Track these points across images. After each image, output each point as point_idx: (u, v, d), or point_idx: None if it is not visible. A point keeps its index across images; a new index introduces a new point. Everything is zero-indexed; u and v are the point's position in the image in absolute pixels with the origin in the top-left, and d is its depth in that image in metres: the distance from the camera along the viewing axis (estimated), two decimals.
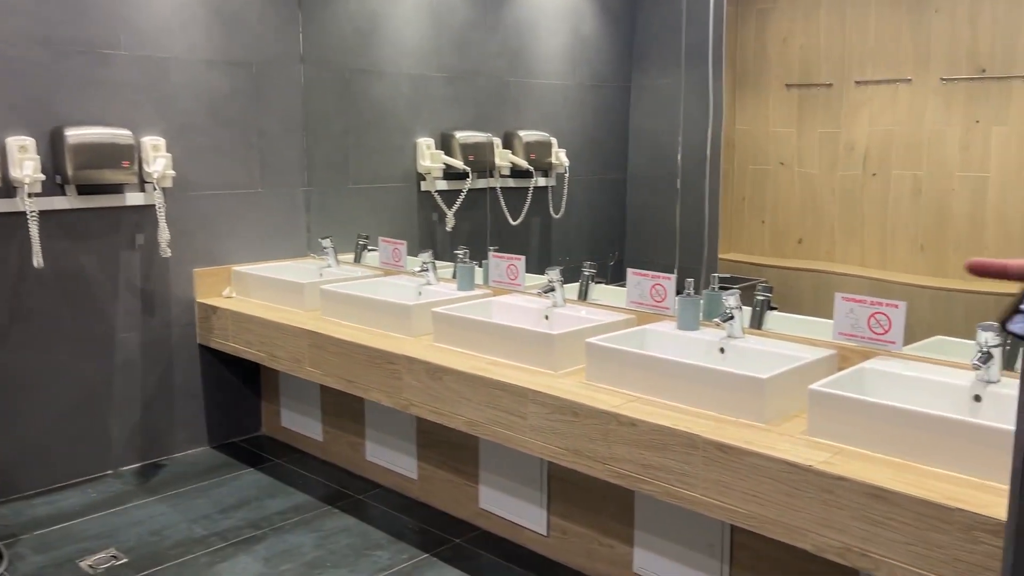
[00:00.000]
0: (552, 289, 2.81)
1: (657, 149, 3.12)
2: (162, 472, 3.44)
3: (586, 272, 2.92)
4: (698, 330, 2.49)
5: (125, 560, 2.71)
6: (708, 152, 2.83)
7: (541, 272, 2.99)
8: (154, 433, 3.56)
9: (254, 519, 3.01)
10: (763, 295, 2.47)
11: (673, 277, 2.63)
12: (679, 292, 2.54)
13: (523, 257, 3.09)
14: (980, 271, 0.81)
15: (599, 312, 2.76)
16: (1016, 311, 0.76)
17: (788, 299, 2.72)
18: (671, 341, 2.48)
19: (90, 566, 2.68)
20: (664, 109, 3.12)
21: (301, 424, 3.68)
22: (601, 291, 2.93)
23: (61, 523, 2.97)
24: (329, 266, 3.67)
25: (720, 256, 2.92)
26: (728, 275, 2.76)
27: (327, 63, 3.87)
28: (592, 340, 2.37)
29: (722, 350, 2.40)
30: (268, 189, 3.80)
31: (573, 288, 2.95)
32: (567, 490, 2.69)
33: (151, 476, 3.40)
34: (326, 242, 3.67)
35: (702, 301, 2.51)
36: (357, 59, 3.85)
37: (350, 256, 3.79)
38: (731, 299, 2.38)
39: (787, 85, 2.81)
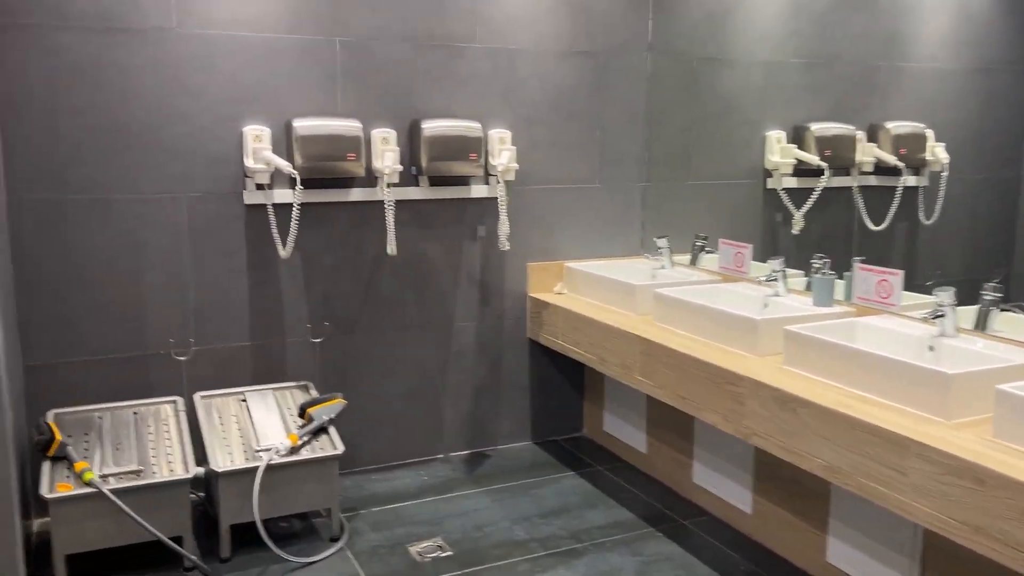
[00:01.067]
0: (941, 315, 2.32)
1: None
2: (487, 463, 3.47)
3: (988, 296, 2.38)
4: None
5: (450, 553, 2.72)
6: None
7: (911, 289, 2.50)
8: (482, 423, 3.60)
9: (574, 530, 2.89)
10: None
11: None
12: None
13: (901, 272, 2.61)
14: None
15: (1005, 348, 2.22)
16: None
17: None
18: None
19: (419, 553, 2.72)
20: None
21: (624, 432, 3.52)
22: (1007, 320, 2.37)
23: (395, 503, 3.09)
24: (663, 267, 3.45)
25: None
26: None
27: (674, 52, 3.63)
28: (1007, 388, 1.88)
29: None
30: (605, 184, 3.67)
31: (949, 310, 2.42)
32: (948, 564, 2.21)
33: (477, 466, 3.44)
34: (661, 241, 3.45)
35: None
36: (706, 47, 3.56)
37: (686, 257, 3.53)
38: None
39: None
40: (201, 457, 2.83)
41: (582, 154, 3.61)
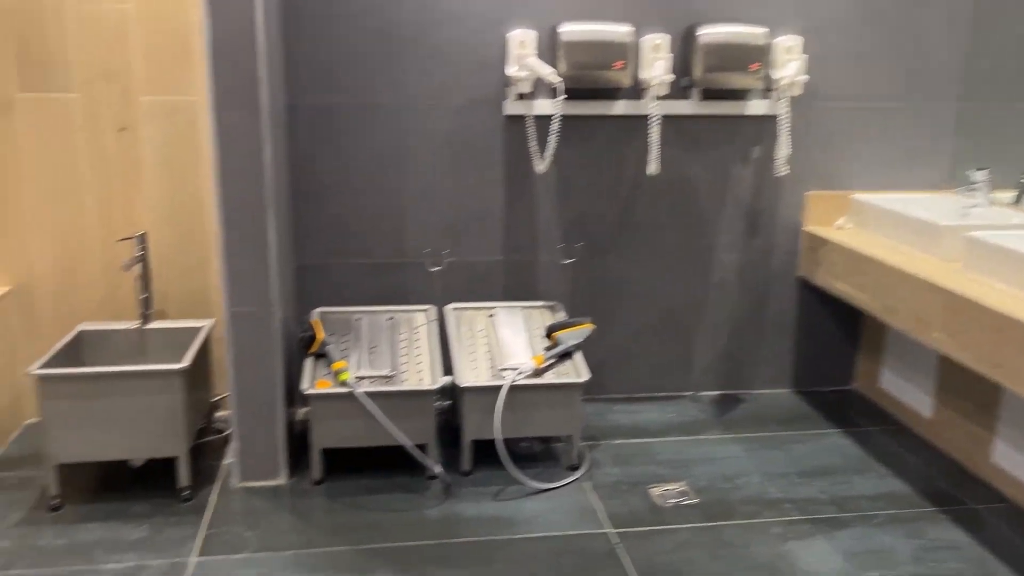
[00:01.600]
0: None
1: None
2: (739, 408, 3.20)
3: None
4: None
5: (695, 501, 2.52)
6: None
7: None
8: (736, 363, 3.31)
9: (838, 496, 2.56)
10: None
11: None
12: None
13: None
14: None
15: None
16: None
17: None
18: None
19: (661, 496, 2.55)
20: None
21: (905, 391, 3.07)
22: None
23: (638, 438, 2.92)
24: (978, 206, 2.89)
25: None
26: None
27: None
28: None
29: None
30: (909, 102, 3.13)
31: None
32: None
33: (728, 409, 3.18)
34: (980, 174, 2.88)
35: None
36: None
37: (1008, 195, 2.94)
38: None
39: None
40: (448, 368, 2.83)
41: (884, 67, 3.09)
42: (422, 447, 2.57)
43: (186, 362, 2.39)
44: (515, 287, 3.11)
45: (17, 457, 2.70)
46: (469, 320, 2.91)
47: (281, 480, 2.58)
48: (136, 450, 2.40)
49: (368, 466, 2.67)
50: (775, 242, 3.20)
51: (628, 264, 3.15)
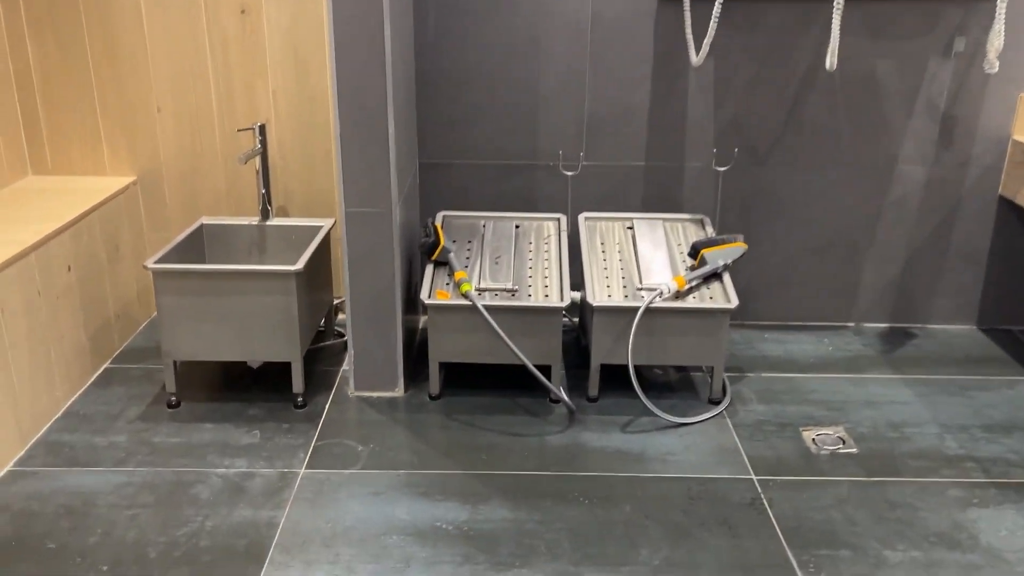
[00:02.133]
0: None
1: None
2: (910, 344, 2.79)
3: None
4: None
5: (853, 451, 2.20)
6: None
7: None
8: (910, 293, 2.88)
9: None
10: None
11: None
12: None
13: None
14: None
15: None
16: None
17: None
18: None
19: (814, 441, 2.24)
20: None
21: None
22: None
23: (789, 372, 2.60)
24: None
25: None
26: None
27: None
28: None
29: None
30: None
31: None
32: None
33: (896, 345, 2.78)
34: None
35: None
36: None
37: None
38: None
39: None
40: (578, 282, 2.58)
41: None
42: (546, 369, 2.36)
43: (300, 264, 2.25)
44: (657, 197, 2.79)
45: (143, 349, 2.70)
46: (604, 232, 2.63)
47: (397, 392, 2.45)
48: (249, 352, 2.31)
49: (488, 383, 2.49)
50: (974, 153, 2.71)
51: (791, 174, 2.75)
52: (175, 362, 2.33)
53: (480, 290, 2.36)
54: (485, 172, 2.77)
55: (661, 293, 2.31)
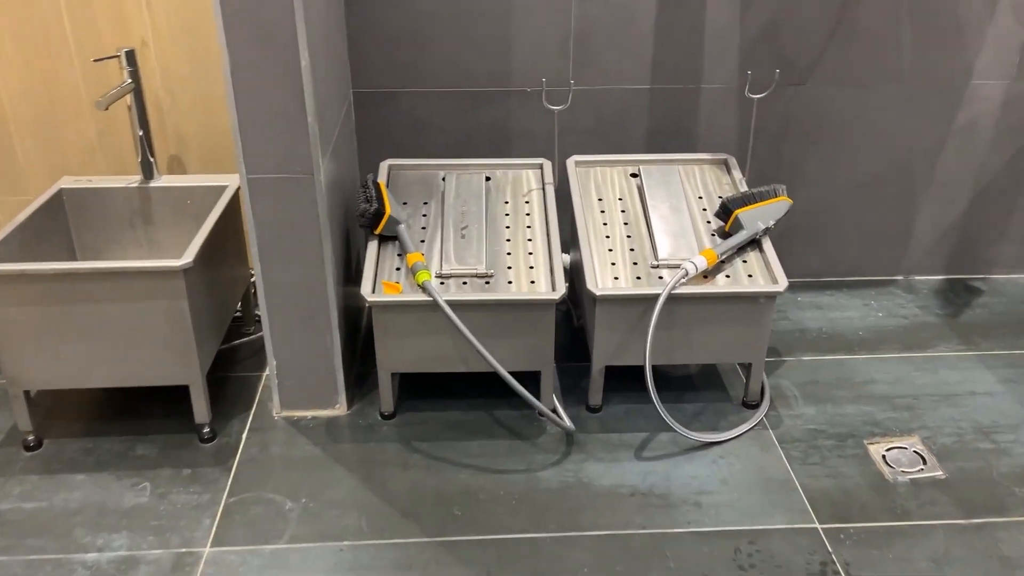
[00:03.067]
0: None
1: None
2: (977, 304, 2.26)
3: None
4: None
5: (939, 474, 1.67)
6: None
7: None
8: (972, 238, 2.33)
9: None
10: None
11: None
12: None
13: None
14: None
15: None
16: None
17: None
18: None
19: (886, 461, 1.72)
20: None
21: None
22: None
23: (836, 352, 2.05)
24: None
25: None
26: None
27: None
28: None
29: None
30: None
31: None
32: None
33: (959, 305, 2.24)
34: None
35: None
36: None
37: None
38: None
39: None
40: (569, 239, 1.97)
41: None
42: (535, 376, 1.79)
43: (189, 256, 1.61)
44: (668, 129, 2.16)
45: None
46: (601, 181, 2.01)
47: (338, 410, 1.86)
48: (126, 376, 1.69)
49: (456, 391, 1.91)
50: None
51: (835, 95, 2.14)
52: (27, 391, 1.71)
53: (443, 277, 1.75)
54: (442, 104, 2.11)
55: (686, 273, 1.72)
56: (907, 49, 2.09)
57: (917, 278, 2.38)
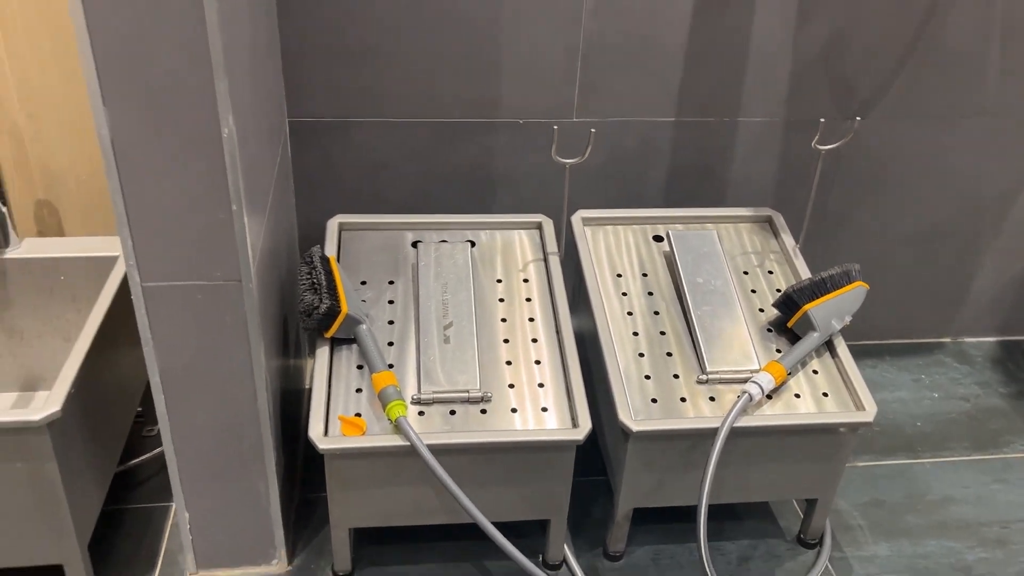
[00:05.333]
0: None
1: None
2: None
3: None
4: None
5: None
6: None
7: None
8: None
9: None
10: None
11: None
12: None
13: None
14: None
15: None
16: None
17: None
18: None
19: None
20: None
21: None
22: None
23: (894, 454, 1.65)
24: None
25: None
26: None
27: None
28: None
29: None
30: None
31: None
32: None
33: None
34: None
35: None
36: None
37: None
38: None
39: None
40: (589, 363, 1.51)
41: None
42: (540, 524, 1.36)
43: (54, 406, 1.10)
44: (694, 175, 1.71)
45: None
46: (615, 246, 1.55)
47: (276, 567, 1.39)
48: None
49: (432, 535, 1.46)
50: None
51: (901, 130, 1.71)
52: None
53: (422, 403, 1.28)
54: (405, 138, 1.61)
55: (750, 399, 1.29)
56: (992, 73, 1.68)
57: (968, 340, 2.02)
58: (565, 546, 1.40)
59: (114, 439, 1.39)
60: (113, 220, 1.54)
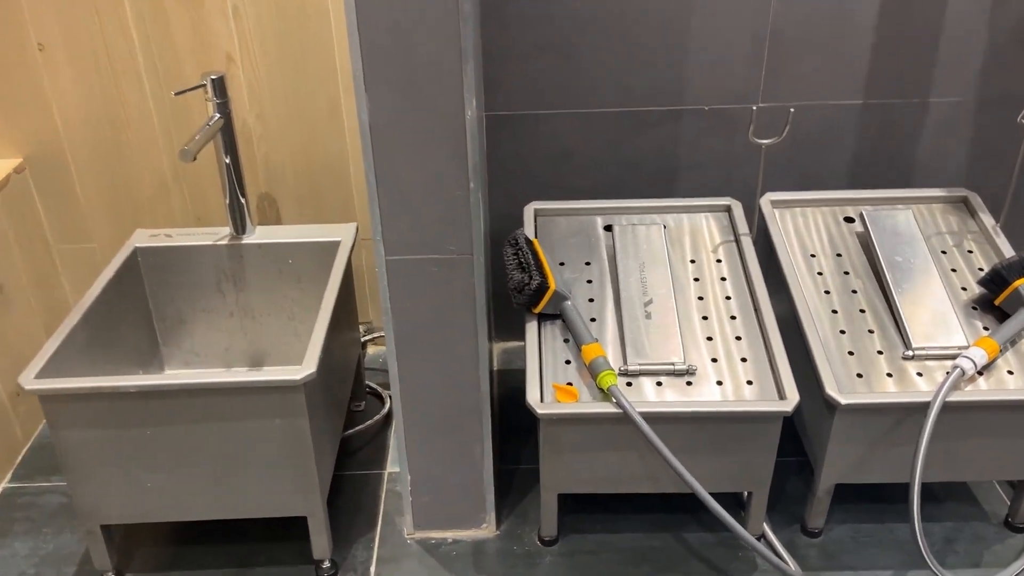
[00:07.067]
0: None
1: None
2: None
3: None
4: None
5: None
6: None
7: None
8: None
9: None
10: None
11: None
12: None
13: None
14: None
15: None
16: None
17: None
18: None
19: None
20: None
21: None
22: None
23: None
24: None
25: None
26: None
27: None
28: None
29: None
30: None
31: None
32: None
33: None
34: None
35: None
36: None
37: None
38: None
39: None
40: (789, 334, 1.53)
41: None
42: (736, 498, 1.39)
43: (310, 367, 1.22)
44: (882, 159, 1.71)
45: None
46: (804, 228, 1.57)
47: (485, 530, 1.48)
48: (227, 509, 1.32)
49: (634, 507, 1.51)
50: None
51: None
52: (102, 527, 1.35)
53: (629, 375, 1.34)
54: (593, 128, 1.68)
55: (963, 374, 1.28)
56: None
57: None
58: (765, 524, 1.42)
59: (340, 409, 1.52)
60: (323, 209, 1.68)
